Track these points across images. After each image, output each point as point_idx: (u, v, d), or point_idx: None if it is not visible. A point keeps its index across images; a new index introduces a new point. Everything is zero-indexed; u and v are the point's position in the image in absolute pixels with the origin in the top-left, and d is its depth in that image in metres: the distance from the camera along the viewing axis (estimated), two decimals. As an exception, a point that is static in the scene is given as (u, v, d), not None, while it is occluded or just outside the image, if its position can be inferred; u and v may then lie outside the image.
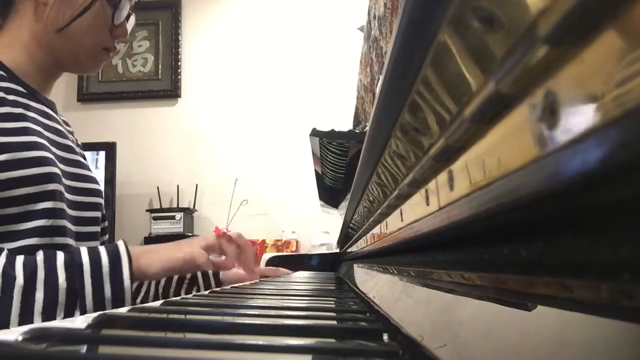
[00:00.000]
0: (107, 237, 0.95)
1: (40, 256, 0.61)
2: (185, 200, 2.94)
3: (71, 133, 0.95)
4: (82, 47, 0.82)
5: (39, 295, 0.58)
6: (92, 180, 0.87)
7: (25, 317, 0.57)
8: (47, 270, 0.60)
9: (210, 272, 0.97)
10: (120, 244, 0.67)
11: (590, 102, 0.10)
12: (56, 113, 0.87)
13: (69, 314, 0.60)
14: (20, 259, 0.60)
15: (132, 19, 0.90)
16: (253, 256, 0.84)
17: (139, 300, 0.93)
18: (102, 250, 0.65)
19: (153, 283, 0.91)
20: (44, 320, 0.58)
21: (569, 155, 0.11)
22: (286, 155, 2.89)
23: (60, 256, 0.62)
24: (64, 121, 0.94)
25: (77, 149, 0.89)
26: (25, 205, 0.70)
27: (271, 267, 1.20)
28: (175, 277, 0.91)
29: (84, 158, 0.93)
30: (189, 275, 0.96)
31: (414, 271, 0.37)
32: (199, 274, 0.96)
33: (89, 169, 0.88)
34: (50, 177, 0.73)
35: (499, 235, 0.19)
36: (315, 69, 2.94)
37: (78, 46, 0.82)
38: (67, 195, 0.78)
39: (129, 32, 0.88)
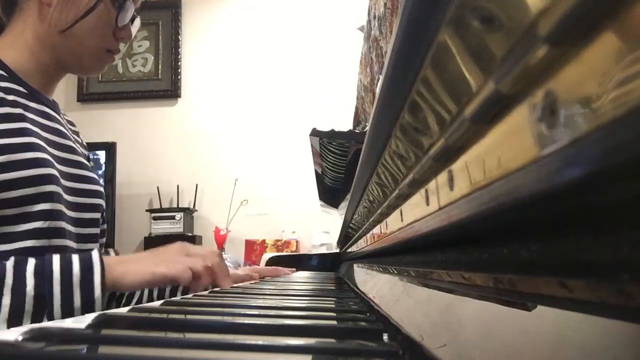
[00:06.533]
0: (104, 239, 0.93)
1: (10, 262, 0.60)
2: (185, 200, 2.94)
3: (76, 133, 0.94)
4: (85, 49, 0.82)
5: (6, 301, 0.57)
6: (93, 181, 0.87)
7: None
8: (16, 276, 0.58)
9: None
10: (94, 253, 0.64)
11: (590, 102, 0.10)
12: (59, 114, 0.87)
13: (35, 322, 0.59)
14: None
15: (137, 22, 0.89)
16: (228, 282, 0.80)
17: (133, 304, 0.93)
18: (75, 259, 0.63)
19: (147, 289, 0.90)
20: (8, 327, 0.57)
21: (568, 155, 0.11)
22: (286, 155, 2.89)
23: (30, 263, 0.61)
24: (68, 121, 0.93)
25: (80, 150, 0.89)
26: (22, 207, 0.70)
27: (270, 267, 1.20)
28: None
29: (88, 159, 0.92)
30: None
31: (414, 271, 0.37)
32: None
33: (90, 170, 0.88)
34: (48, 179, 0.72)
35: (499, 235, 0.19)
36: (315, 69, 2.94)
37: (81, 47, 0.82)
38: (66, 197, 0.78)
39: (133, 34, 0.88)
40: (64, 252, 0.72)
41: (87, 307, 0.61)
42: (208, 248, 0.76)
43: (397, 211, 0.38)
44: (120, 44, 0.87)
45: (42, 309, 0.59)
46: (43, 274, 0.60)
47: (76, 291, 0.61)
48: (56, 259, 0.62)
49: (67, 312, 0.60)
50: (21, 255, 0.62)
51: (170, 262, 0.68)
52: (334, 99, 2.76)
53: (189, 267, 0.67)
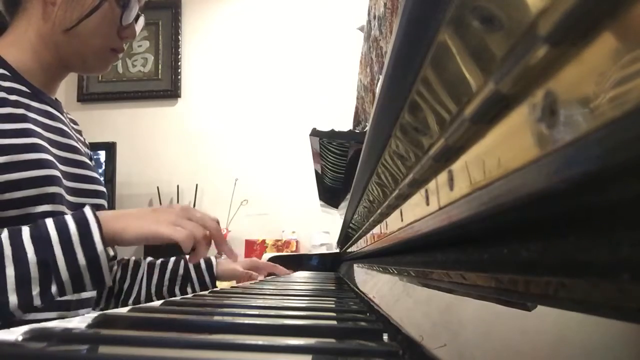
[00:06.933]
0: None
1: (4, 233, 0.59)
2: (185, 200, 2.94)
3: (79, 132, 0.94)
4: (89, 48, 0.82)
5: (10, 272, 0.56)
6: (95, 181, 0.86)
7: (0, 295, 0.55)
8: (14, 245, 0.58)
9: (203, 266, 0.96)
10: (87, 210, 0.64)
11: (590, 102, 0.10)
12: (62, 113, 0.87)
13: (44, 288, 0.58)
14: None
15: (142, 20, 0.89)
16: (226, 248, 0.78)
17: (131, 301, 0.92)
18: (69, 219, 0.62)
19: (145, 282, 0.89)
20: (20, 297, 0.56)
21: (568, 155, 0.11)
22: (286, 155, 2.89)
23: (25, 230, 0.60)
24: (71, 120, 0.93)
25: (83, 149, 0.89)
26: (25, 208, 0.69)
27: (270, 263, 1.20)
28: (167, 276, 0.90)
29: (91, 158, 0.92)
30: (181, 272, 0.94)
31: (414, 271, 0.37)
32: (192, 270, 0.95)
33: (93, 170, 0.88)
34: (50, 180, 0.72)
35: (499, 235, 0.19)
36: (315, 69, 2.94)
37: (85, 46, 0.82)
38: (69, 197, 0.78)
39: (137, 33, 0.88)
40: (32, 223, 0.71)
41: (93, 264, 0.61)
42: (207, 214, 0.75)
43: (397, 211, 0.38)
44: (124, 43, 0.87)
45: (48, 274, 0.59)
46: (41, 239, 0.60)
47: (78, 250, 0.60)
48: (50, 222, 0.62)
49: (74, 272, 0.60)
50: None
51: (173, 224, 0.67)
52: (334, 99, 2.76)
53: (191, 234, 0.67)
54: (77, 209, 0.80)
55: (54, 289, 0.59)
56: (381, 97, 0.30)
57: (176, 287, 0.91)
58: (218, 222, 0.76)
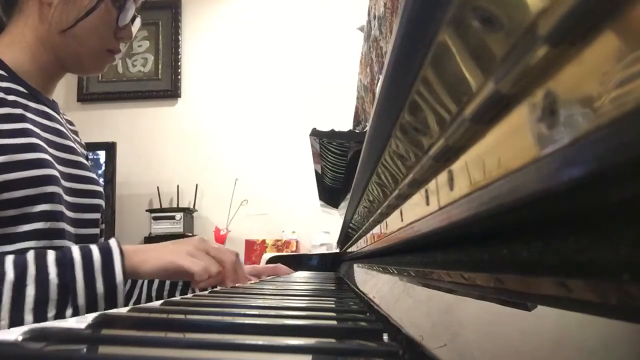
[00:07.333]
0: (102, 239, 0.93)
1: (30, 254, 0.60)
2: (185, 200, 2.94)
3: (75, 133, 0.94)
4: (86, 49, 0.82)
5: (30, 291, 0.57)
6: (93, 181, 0.86)
7: (16, 313, 0.56)
8: (38, 266, 0.59)
9: None
10: (112, 241, 0.66)
11: (590, 103, 0.10)
12: (58, 113, 0.87)
13: (60, 311, 0.58)
14: (10, 257, 0.59)
15: (138, 21, 0.89)
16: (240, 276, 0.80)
17: (131, 303, 0.92)
18: (94, 247, 0.64)
19: (145, 285, 0.90)
20: (34, 317, 0.56)
21: (568, 155, 0.11)
22: (286, 155, 2.89)
23: (51, 253, 0.61)
24: (67, 121, 0.93)
25: (80, 150, 0.89)
26: (23, 207, 0.70)
27: (270, 265, 1.20)
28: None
29: (87, 159, 0.92)
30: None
31: (414, 271, 0.37)
32: None
33: (90, 170, 0.88)
34: (49, 180, 0.72)
35: (499, 235, 0.19)
36: (315, 69, 2.94)
37: (82, 47, 0.82)
38: (66, 197, 0.78)
39: (134, 34, 0.88)
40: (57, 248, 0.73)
41: (110, 293, 0.62)
42: (226, 248, 0.76)
43: (397, 211, 0.38)
44: (122, 44, 0.87)
45: (67, 298, 0.59)
46: (65, 263, 0.60)
47: (98, 277, 0.61)
48: (75, 248, 0.63)
49: (91, 299, 0.60)
50: None
51: (191, 256, 0.69)
52: (334, 99, 2.76)
53: (207, 268, 0.68)
54: (75, 209, 0.80)
55: (69, 312, 0.59)
56: (381, 97, 0.30)
57: (177, 292, 0.91)
58: (237, 255, 0.77)
